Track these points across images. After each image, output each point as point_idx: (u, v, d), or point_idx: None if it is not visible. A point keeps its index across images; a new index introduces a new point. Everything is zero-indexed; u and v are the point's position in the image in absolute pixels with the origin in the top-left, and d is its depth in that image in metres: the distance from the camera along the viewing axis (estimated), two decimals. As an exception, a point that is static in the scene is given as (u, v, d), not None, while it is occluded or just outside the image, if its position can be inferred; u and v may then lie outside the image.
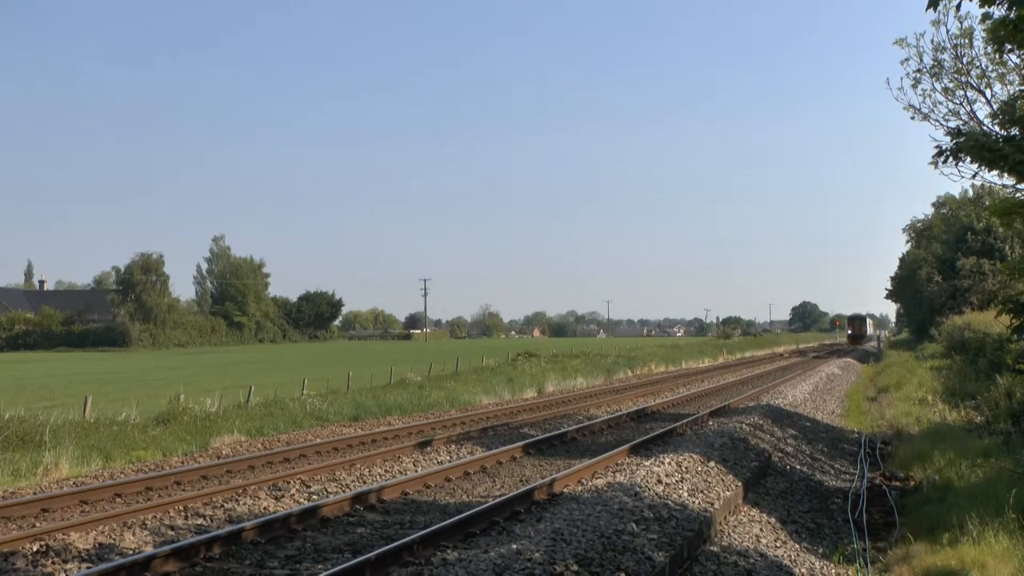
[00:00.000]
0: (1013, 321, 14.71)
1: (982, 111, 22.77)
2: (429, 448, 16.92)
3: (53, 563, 9.04)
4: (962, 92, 23.35)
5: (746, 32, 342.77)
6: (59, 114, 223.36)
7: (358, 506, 11.54)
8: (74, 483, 13.71)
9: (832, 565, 10.65)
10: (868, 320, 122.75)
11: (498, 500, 11.11)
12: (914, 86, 23.72)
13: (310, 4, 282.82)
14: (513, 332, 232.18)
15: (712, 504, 11.12)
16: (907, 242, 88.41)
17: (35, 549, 9.43)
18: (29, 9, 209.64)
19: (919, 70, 23.53)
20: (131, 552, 9.45)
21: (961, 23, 22.36)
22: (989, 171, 13.50)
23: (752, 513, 12.29)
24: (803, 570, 10.16)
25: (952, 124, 21.94)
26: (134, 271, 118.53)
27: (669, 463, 12.88)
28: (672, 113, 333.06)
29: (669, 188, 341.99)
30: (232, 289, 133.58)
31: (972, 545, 9.85)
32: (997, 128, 18.39)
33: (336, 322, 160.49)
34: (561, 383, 36.32)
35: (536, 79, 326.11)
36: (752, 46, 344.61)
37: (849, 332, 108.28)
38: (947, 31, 23.05)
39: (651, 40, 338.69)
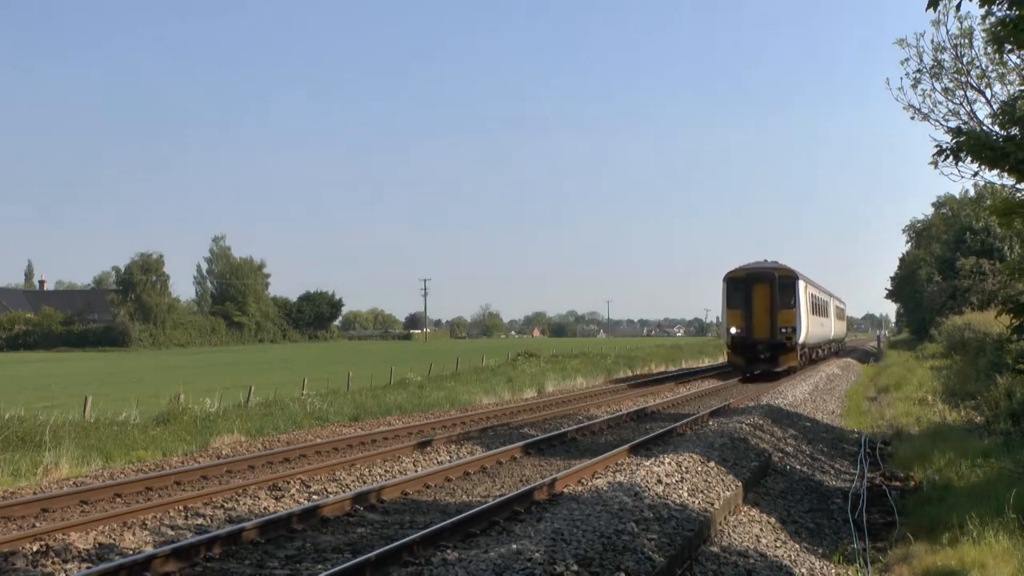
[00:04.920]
0: (1013, 321, 14.70)
1: (982, 111, 22.75)
2: (429, 448, 16.92)
3: (53, 563, 9.04)
4: (962, 92, 23.33)
5: (746, 31, 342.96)
6: (59, 114, 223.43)
7: (358, 506, 11.53)
8: (74, 483, 13.70)
9: (832, 565, 10.65)
10: (802, 288, 35.70)
11: (498, 500, 11.10)
12: (914, 86, 23.70)
13: (309, 3, 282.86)
14: (513, 332, 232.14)
15: (712, 504, 11.12)
16: (907, 242, 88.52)
17: (35, 549, 9.43)
18: (26, 8, 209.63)
19: (919, 70, 23.50)
20: (131, 552, 9.44)
21: (961, 23, 22.33)
22: (990, 170, 13.50)
23: (752, 513, 12.29)
24: (803, 570, 10.16)
25: (952, 124, 21.91)
26: (134, 271, 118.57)
27: (669, 463, 12.87)
28: (672, 112, 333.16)
29: (669, 188, 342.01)
30: (232, 289, 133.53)
31: (972, 545, 9.86)
32: (997, 128, 18.38)
33: (336, 322, 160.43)
34: (561, 383, 36.30)
35: (537, 78, 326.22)
36: (752, 45, 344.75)
37: (732, 332, 35.25)
38: (947, 31, 23.00)
39: (650, 40, 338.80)
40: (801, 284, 35.33)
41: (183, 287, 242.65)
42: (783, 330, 34.35)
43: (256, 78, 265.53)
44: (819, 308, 42.21)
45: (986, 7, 10.64)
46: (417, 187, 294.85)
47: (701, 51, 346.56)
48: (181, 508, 11.51)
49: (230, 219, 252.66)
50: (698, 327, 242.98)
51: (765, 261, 36.22)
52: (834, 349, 58.96)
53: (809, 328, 36.79)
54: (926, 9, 9.57)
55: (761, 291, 34.46)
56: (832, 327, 51.33)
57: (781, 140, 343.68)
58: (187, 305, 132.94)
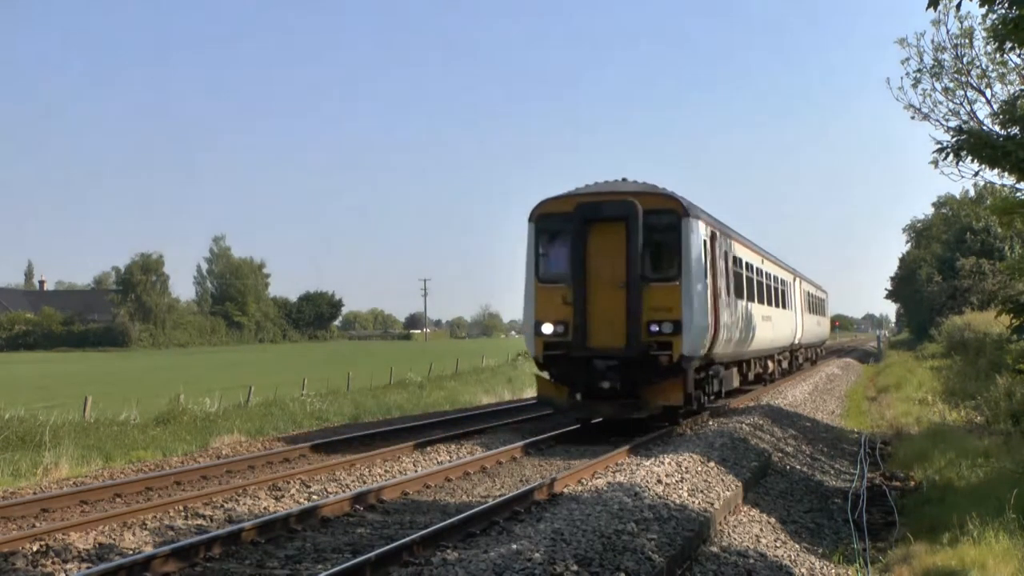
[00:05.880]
0: (1013, 321, 14.73)
1: (982, 111, 22.81)
2: (429, 448, 16.90)
3: (53, 563, 9.03)
4: (962, 92, 23.38)
5: (746, 32, 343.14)
6: (59, 114, 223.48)
7: (358, 506, 11.53)
8: (74, 483, 13.69)
9: (832, 565, 10.65)
10: (698, 235, 17.11)
11: (498, 500, 11.10)
12: (914, 86, 23.77)
13: (309, 4, 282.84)
14: (513, 332, 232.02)
15: (712, 504, 11.12)
16: (907, 242, 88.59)
17: (35, 549, 9.42)
18: (27, 6, 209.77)
19: (919, 70, 23.58)
20: (131, 552, 9.43)
21: (961, 23, 22.39)
22: (991, 169, 13.52)
23: (752, 513, 12.29)
24: (803, 570, 10.16)
25: (952, 124, 21.95)
26: (134, 271, 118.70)
27: (669, 463, 12.88)
28: (670, 111, 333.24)
29: (668, 186, 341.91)
30: (232, 289, 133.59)
31: (972, 545, 9.86)
32: (997, 128, 18.42)
33: (336, 322, 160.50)
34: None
35: (537, 79, 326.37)
36: (752, 46, 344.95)
37: (542, 330, 17.16)
38: (947, 31, 23.05)
39: (650, 39, 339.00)
40: (697, 227, 17.29)
41: (183, 287, 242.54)
42: (653, 327, 16.60)
43: (256, 77, 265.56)
44: (758, 287, 24.04)
45: (986, 6, 10.66)
46: (417, 187, 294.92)
47: (703, 50, 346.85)
48: (181, 508, 11.49)
49: (230, 219, 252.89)
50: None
51: (623, 181, 18.00)
52: (809, 356, 41.80)
53: (720, 323, 18.27)
54: (926, 8, 9.60)
55: (606, 241, 16.89)
56: (797, 324, 32.87)
57: (782, 138, 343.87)
58: (187, 305, 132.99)
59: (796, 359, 36.68)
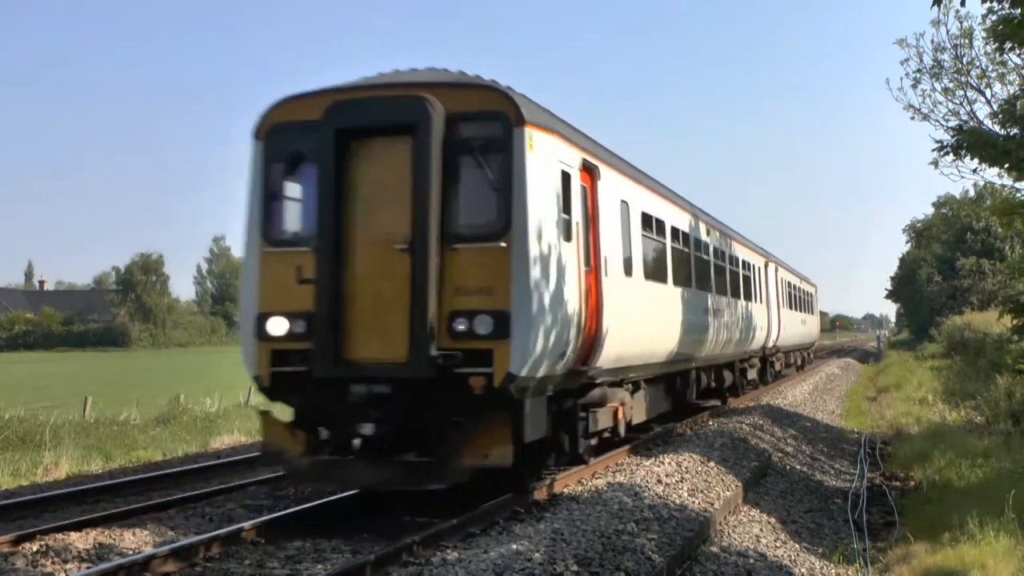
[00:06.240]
0: (1013, 321, 14.76)
1: (982, 111, 22.84)
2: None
3: (53, 563, 9.02)
4: (962, 92, 23.40)
5: (747, 31, 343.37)
6: (59, 113, 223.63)
7: (358, 506, 11.52)
8: (74, 483, 13.69)
9: (832, 565, 10.66)
10: (541, 154, 9.50)
11: (498, 500, 11.08)
12: (914, 86, 23.80)
13: (316, 4, 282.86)
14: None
15: (712, 504, 11.12)
16: (907, 242, 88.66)
17: (35, 549, 9.42)
18: (26, 5, 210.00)
19: (919, 70, 23.61)
20: (131, 552, 9.43)
21: (961, 23, 22.42)
22: (991, 167, 13.55)
23: (752, 513, 12.30)
24: (803, 570, 10.17)
25: (952, 124, 21.98)
26: (134, 271, 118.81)
27: (669, 463, 12.88)
28: (667, 112, 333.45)
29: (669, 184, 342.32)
30: (232, 289, 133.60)
31: (972, 545, 9.87)
32: (997, 128, 18.45)
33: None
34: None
35: (541, 79, 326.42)
36: (752, 46, 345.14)
37: (268, 330, 9.78)
38: (947, 31, 23.07)
39: (652, 40, 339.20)
40: (548, 147, 9.89)
41: (183, 287, 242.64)
42: (458, 324, 9.28)
43: (253, 76, 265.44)
44: (698, 266, 17.47)
45: (987, 5, 10.71)
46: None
47: (705, 51, 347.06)
48: (181, 508, 11.50)
49: (230, 219, 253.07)
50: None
51: (418, 71, 10.78)
52: (792, 361, 34.63)
53: (605, 315, 11.10)
54: (931, 7, 9.65)
55: (379, 170, 9.69)
56: (771, 321, 26.35)
57: (783, 137, 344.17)
58: (187, 305, 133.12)
59: (771, 366, 29.00)
